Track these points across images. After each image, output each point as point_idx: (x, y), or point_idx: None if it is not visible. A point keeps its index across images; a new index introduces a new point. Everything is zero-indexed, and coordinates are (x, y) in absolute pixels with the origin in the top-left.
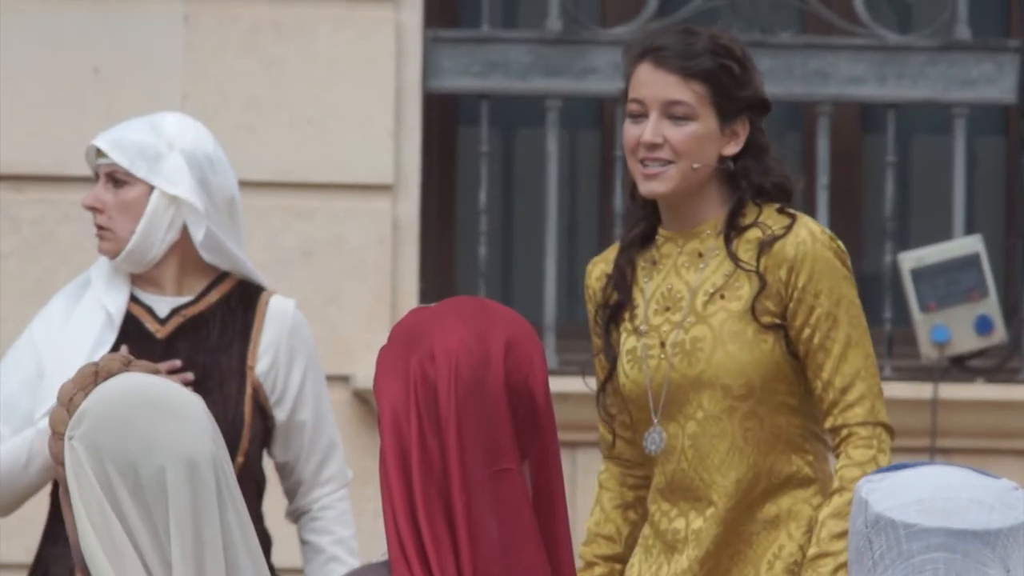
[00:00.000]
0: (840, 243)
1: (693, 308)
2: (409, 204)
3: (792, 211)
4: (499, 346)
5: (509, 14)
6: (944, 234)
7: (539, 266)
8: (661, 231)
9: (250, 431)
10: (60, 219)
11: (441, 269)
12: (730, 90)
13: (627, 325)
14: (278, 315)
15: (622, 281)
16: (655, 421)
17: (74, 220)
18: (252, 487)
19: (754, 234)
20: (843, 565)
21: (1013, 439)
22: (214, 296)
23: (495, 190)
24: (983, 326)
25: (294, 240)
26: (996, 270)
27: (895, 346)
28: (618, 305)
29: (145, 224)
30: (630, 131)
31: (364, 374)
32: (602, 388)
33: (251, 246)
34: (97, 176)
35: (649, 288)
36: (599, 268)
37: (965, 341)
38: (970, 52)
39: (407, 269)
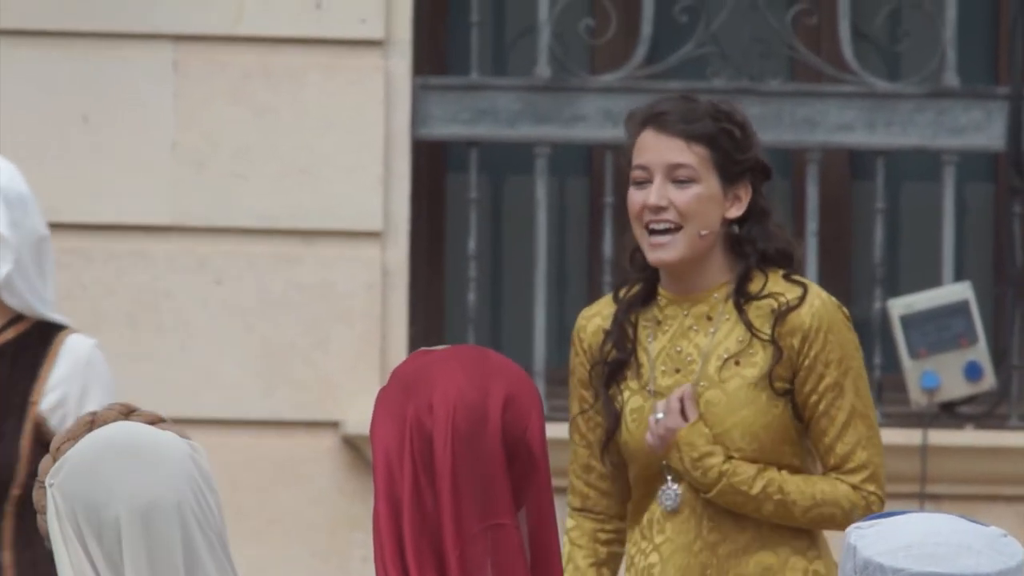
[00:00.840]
0: (846, 311)
1: (706, 372)
2: (398, 250)
3: (799, 279)
4: (498, 400)
5: (498, 61)
6: (933, 281)
7: (528, 312)
8: (662, 292)
9: (28, 465)
10: None
11: (430, 315)
12: (731, 153)
13: (631, 384)
14: (72, 351)
15: (623, 340)
16: (668, 479)
17: (66, 267)
18: (32, 516)
19: (767, 303)
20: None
21: (1003, 485)
22: (10, 334)
23: (484, 237)
24: (972, 372)
25: (283, 286)
26: (985, 317)
27: (885, 392)
28: (618, 363)
29: None
30: (634, 197)
31: (353, 420)
32: (603, 447)
33: (241, 291)
34: None
35: (654, 348)
36: (594, 323)
37: (954, 387)
38: (959, 99)
39: (396, 315)
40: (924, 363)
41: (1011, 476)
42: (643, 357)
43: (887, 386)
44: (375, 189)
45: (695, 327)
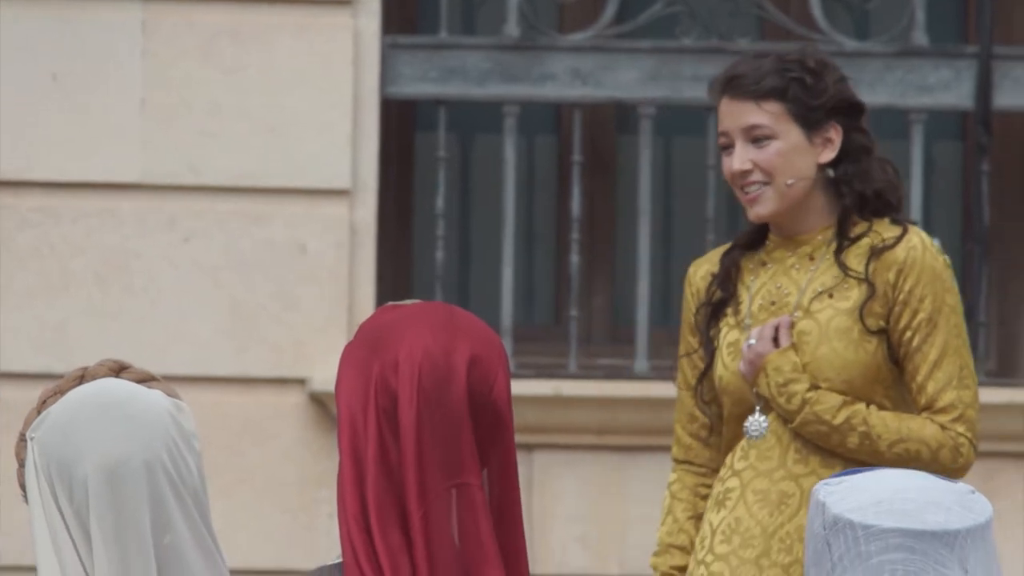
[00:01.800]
0: (947, 258)
1: (800, 304)
2: (366, 209)
3: (903, 220)
4: (464, 358)
5: (467, 20)
6: None
7: (496, 271)
8: (771, 237)
9: None
10: (19, 224)
11: (398, 274)
12: (804, 100)
13: (729, 320)
14: None
15: (726, 279)
16: (757, 409)
17: (34, 226)
18: None
19: (866, 243)
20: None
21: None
22: None
23: (452, 195)
24: None
25: (252, 244)
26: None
27: None
28: (721, 302)
29: None
30: (724, 164)
31: (320, 377)
32: (698, 383)
33: (209, 250)
34: None
35: (755, 286)
36: (704, 268)
37: None
38: (928, 58)
39: (364, 274)
40: None
41: (979, 433)
42: (744, 294)
43: None
44: (344, 148)
45: (797, 265)
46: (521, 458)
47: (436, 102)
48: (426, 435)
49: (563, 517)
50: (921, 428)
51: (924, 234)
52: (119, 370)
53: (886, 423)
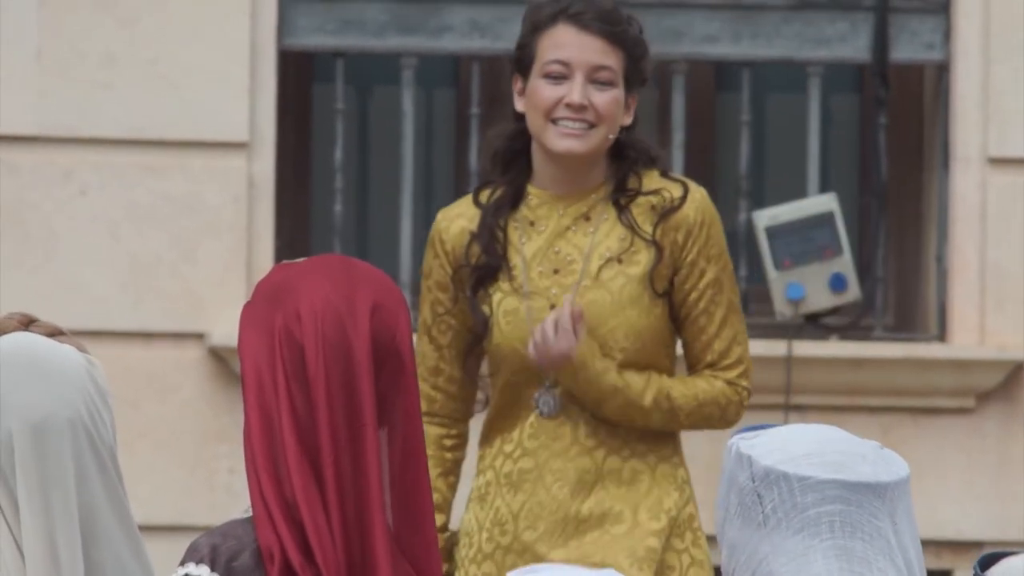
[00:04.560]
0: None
1: (588, 272)
2: (264, 162)
3: (677, 176)
4: (365, 306)
5: None
6: (799, 192)
7: (395, 223)
8: (533, 191)
9: None
10: None
11: (297, 227)
12: (640, 62)
13: (501, 286)
14: None
15: (493, 243)
16: (547, 383)
17: None
18: None
19: (647, 201)
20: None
21: (866, 396)
22: None
23: (351, 148)
24: (837, 284)
25: (149, 197)
26: (850, 228)
27: (750, 303)
28: (488, 267)
29: None
30: (548, 91)
31: (219, 331)
32: (452, 343)
33: (106, 203)
34: None
35: (528, 249)
36: (458, 224)
37: (819, 299)
38: (824, 11)
39: (262, 227)
40: (789, 274)
41: (874, 387)
42: (516, 259)
43: (752, 297)
44: (241, 100)
45: (573, 227)
46: None
47: (334, 54)
48: (334, 383)
49: None
50: (711, 388)
51: (700, 187)
52: (28, 323)
53: (683, 392)
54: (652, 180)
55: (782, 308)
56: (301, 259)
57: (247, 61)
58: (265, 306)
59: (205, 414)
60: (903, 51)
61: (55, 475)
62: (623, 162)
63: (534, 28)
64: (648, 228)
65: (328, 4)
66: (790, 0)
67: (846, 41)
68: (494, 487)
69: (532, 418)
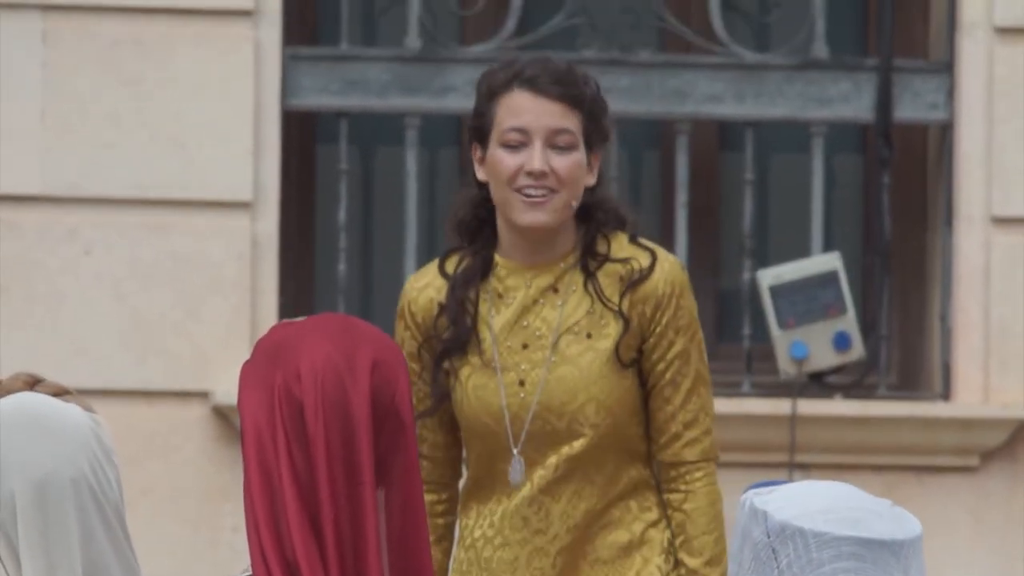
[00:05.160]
0: (686, 273)
1: (557, 348)
2: (268, 221)
3: (645, 243)
4: (366, 364)
5: (368, 32)
6: (802, 251)
7: (398, 283)
8: (500, 261)
9: None
10: None
11: (300, 286)
12: (599, 121)
13: (470, 360)
14: None
15: (461, 315)
16: (515, 452)
17: None
18: None
19: (615, 269)
20: None
21: (871, 455)
22: None
23: (354, 207)
24: (841, 342)
25: (153, 256)
26: (854, 287)
27: (754, 362)
28: (457, 340)
29: None
30: (508, 160)
31: (223, 390)
32: (428, 412)
33: (111, 261)
34: None
35: (497, 323)
36: (426, 295)
37: (823, 357)
38: (828, 71)
39: (266, 285)
40: (793, 333)
41: (879, 446)
42: (485, 332)
43: (756, 356)
44: (245, 159)
45: (541, 300)
46: None
47: (337, 114)
48: (334, 442)
49: None
50: (708, 497)
51: (670, 255)
52: (33, 383)
53: (710, 535)
54: (621, 246)
55: (786, 367)
56: (301, 318)
57: (251, 121)
58: (265, 364)
59: (208, 472)
60: (906, 111)
61: (58, 534)
62: (591, 224)
63: (490, 95)
64: (616, 299)
65: (331, 65)
66: (793, 60)
67: (849, 101)
68: (475, 570)
69: (510, 502)
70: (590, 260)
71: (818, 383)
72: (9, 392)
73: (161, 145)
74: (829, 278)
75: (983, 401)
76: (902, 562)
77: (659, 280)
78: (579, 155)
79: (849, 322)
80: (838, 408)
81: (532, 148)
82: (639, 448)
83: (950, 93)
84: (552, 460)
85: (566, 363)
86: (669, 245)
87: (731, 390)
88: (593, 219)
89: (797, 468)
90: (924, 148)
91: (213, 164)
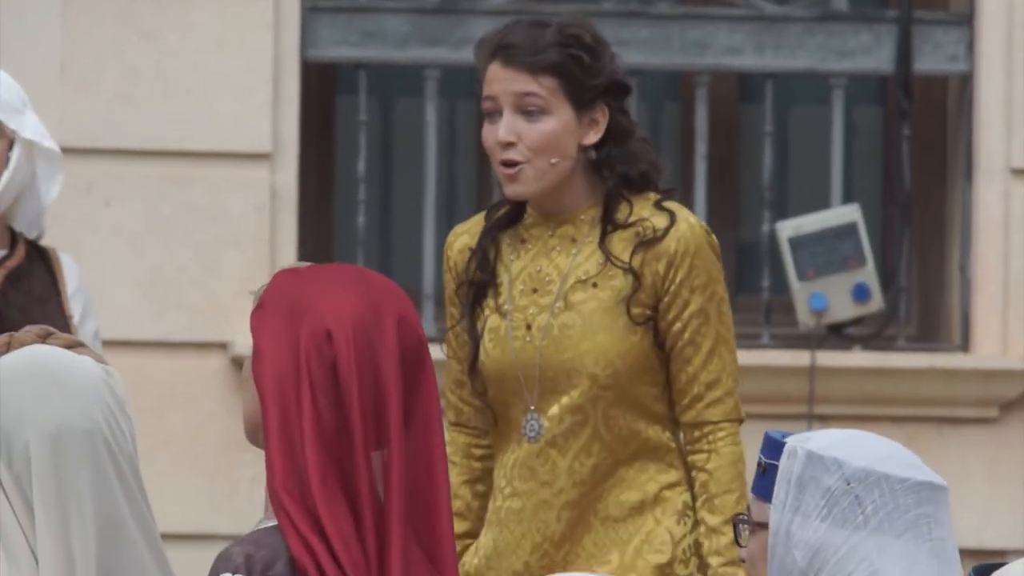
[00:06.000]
0: (714, 237)
1: (563, 294)
2: (287, 173)
3: (669, 205)
4: (391, 321)
5: None
6: (822, 203)
7: (417, 235)
8: (530, 211)
9: None
10: None
11: (319, 238)
12: (581, 79)
13: (490, 303)
14: (72, 270)
15: (484, 261)
16: (532, 407)
17: None
18: None
19: (632, 231)
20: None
21: (890, 406)
22: (21, 249)
23: (373, 159)
24: (860, 294)
25: (172, 209)
26: (873, 239)
27: (773, 314)
28: (481, 284)
29: (9, 177)
30: (486, 132)
31: (242, 342)
32: (457, 359)
33: (130, 214)
34: None
35: (515, 267)
36: (461, 240)
37: (842, 309)
38: (848, 23)
39: (285, 238)
40: (812, 285)
41: (898, 397)
42: (503, 276)
43: (775, 308)
44: (264, 111)
45: (558, 247)
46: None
47: (356, 65)
48: (366, 398)
49: None
50: (731, 466)
51: (693, 217)
52: (46, 336)
53: (724, 507)
54: (643, 207)
55: (805, 319)
56: (304, 264)
57: (270, 73)
58: (282, 318)
59: (227, 424)
60: (926, 62)
61: (72, 485)
62: (605, 181)
63: (478, 66)
64: (626, 256)
65: (351, 16)
66: (813, 12)
67: (870, 53)
68: (492, 518)
69: (520, 451)
70: (609, 222)
71: (837, 335)
72: (22, 345)
73: (180, 98)
74: (848, 230)
75: (1002, 352)
76: (947, 506)
77: (672, 240)
78: (553, 119)
79: (868, 274)
80: (857, 360)
81: (503, 118)
82: (655, 409)
83: (970, 45)
84: (555, 410)
85: (570, 309)
86: (689, 197)
87: (750, 342)
88: (605, 177)
89: (816, 419)
90: (944, 100)
91: (232, 116)
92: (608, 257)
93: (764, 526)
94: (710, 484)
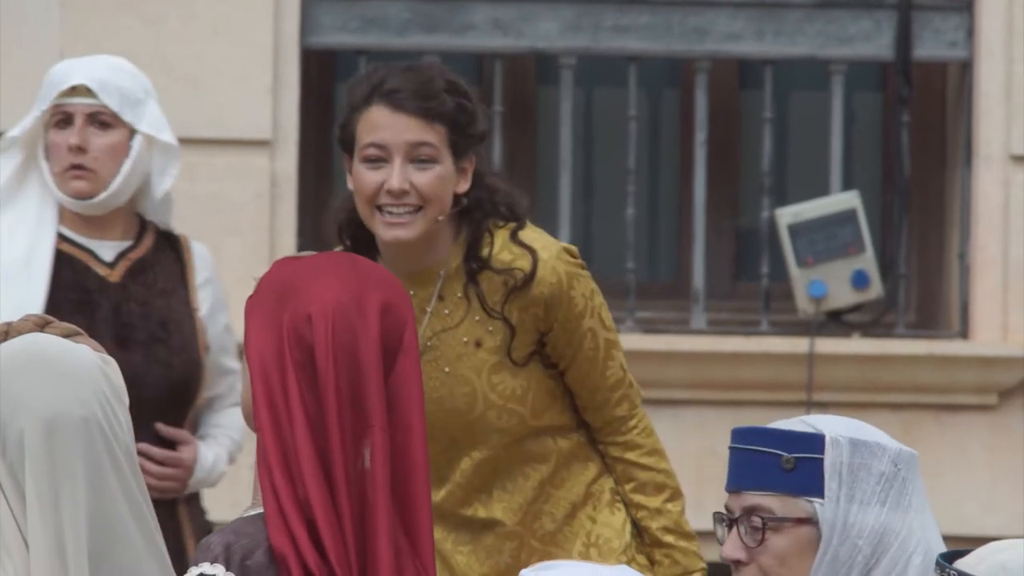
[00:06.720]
0: (573, 251)
1: (450, 359)
2: (287, 160)
3: (525, 241)
4: (375, 308)
5: None
6: (821, 190)
7: None
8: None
9: (206, 372)
10: None
11: (319, 225)
12: (466, 129)
13: None
14: (204, 260)
15: None
16: (449, 454)
17: None
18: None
19: (499, 279)
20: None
21: (889, 393)
22: (148, 240)
23: None
24: (860, 281)
25: (172, 195)
26: (873, 225)
27: (772, 301)
28: None
29: (130, 168)
30: (369, 176)
31: (242, 328)
32: None
33: None
34: (58, 114)
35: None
36: None
37: (842, 296)
38: (848, 9)
39: (285, 225)
40: (811, 272)
41: (897, 384)
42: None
43: (774, 295)
44: (264, 98)
45: (428, 309)
46: None
47: (356, 52)
48: (343, 384)
49: None
50: (652, 449)
51: (549, 248)
52: (43, 325)
53: (660, 486)
54: (503, 246)
55: (804, 305)
56: (305, 254)
57: (270, 60)
58: (271, 302)
59: None
60: (926, 49)
61: (65, 472)
62: (471, 224)
63: (351, 108)
64: (499, 306)
65: (351, 3)
66: None
67: (869, 39)
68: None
69: (442, 496)
70: (473, 264)
71: (836, 321)
72: (19, 333)
73: (180, 84)
74: (848, 216)
75: (1001, 339)
76: None
77: (543, 286)
78: (442, 168)
79: (867, 260)
80: (856, 347)
81: (392, 165)
82: (561, 421)
83: (969, 31)
84: (466, 463)
85: (461, 374)
86: (688, 184)
87: (749, 328)
88: (472, 220)
89: (815, 406)
90: (943, 86)
91: (232, 103)
92: (484, 307)
93: (797, 521)
94: (635, 472)
